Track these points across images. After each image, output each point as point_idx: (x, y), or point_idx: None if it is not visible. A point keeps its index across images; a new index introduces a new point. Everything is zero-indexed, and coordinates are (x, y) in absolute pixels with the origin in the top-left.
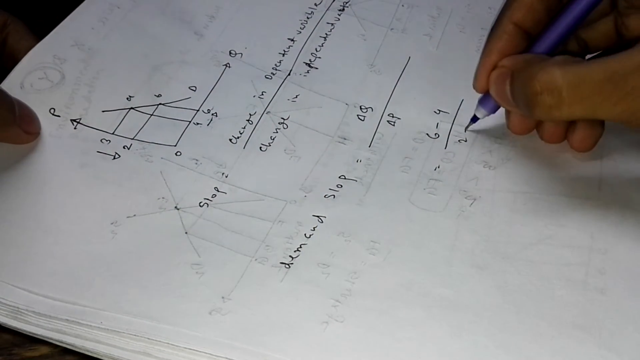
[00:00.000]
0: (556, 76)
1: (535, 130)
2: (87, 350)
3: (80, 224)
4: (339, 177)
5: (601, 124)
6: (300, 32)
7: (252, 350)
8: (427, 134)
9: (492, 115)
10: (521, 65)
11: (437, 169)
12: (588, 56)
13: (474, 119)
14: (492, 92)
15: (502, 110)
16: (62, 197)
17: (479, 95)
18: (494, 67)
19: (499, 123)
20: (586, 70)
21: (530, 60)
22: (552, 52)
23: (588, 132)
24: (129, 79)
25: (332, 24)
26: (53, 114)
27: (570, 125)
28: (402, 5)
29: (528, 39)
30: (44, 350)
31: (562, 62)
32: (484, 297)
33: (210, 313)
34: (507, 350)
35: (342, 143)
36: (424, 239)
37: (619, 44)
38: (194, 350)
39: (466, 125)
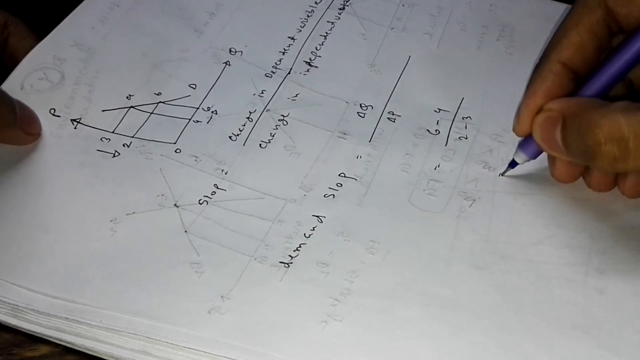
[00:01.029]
0: (621, 124)
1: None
2: (87, 349)
3: (80, 221)
4: (339, 175)
5: None
6: (301, 31)
7: (251, 349)
8: (428, 130)
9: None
10: (575, 110)
11: (437, 168)
12: None
13: (513, 164)
14: (537, 137)
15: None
16: (62, 195)
17: (479, 93)
18: (539, 110)
19: (499, 121)
20: None
21: (586, 104)
22: (601, 96)
23: (638, 180)
24: (128, 77)
25: (332, 23)
26: (53, 114)
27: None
28: (403, 5)
29: (576, 81)
30: (44, 350)
31: (625, 108)
32: (482, 297)
33: (209, 312)
34: (506, 349)
35: (342, 138)
36: (423, 238)
37: None
38: (193, 349)
39: (502, 171)
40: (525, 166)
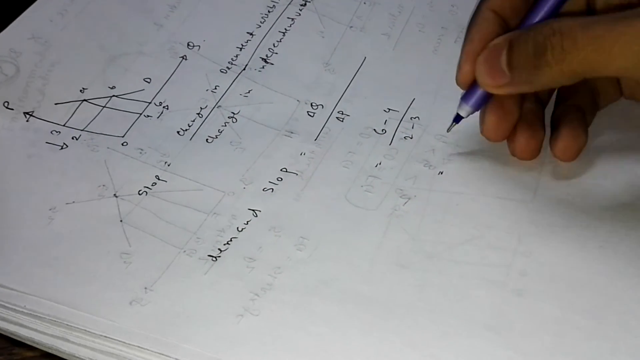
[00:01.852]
0: (567, 20)
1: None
2: (11, 334)
3: (19, 210)
4: (281, 170)
5: (584, 133)
6: (260, 26)
7: (164, 340)
8: (375, 130)
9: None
10: (520, 32)
11: (378, 165)
12: None
13: (457, 118)
14: (481, 73)
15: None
16: (5, 186)
17: (430, 94)
18: (476, 56)
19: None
20: (597, 17)
21: (530, 26)
22: None
23: (571, 141)
24: (83, 71)
25: (292, 19)
26: (7, 108)
27: (553, 134)
28: (364, 2)
29: (507, 29)
30: None
31: (568, 15)
32: (400, 295)
33: (130, 303)
34: (414, 348)
35: (288, 136)
36: (352, 236)
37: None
38: (109, 337)
39: (448, 127)
40: (471, 156)
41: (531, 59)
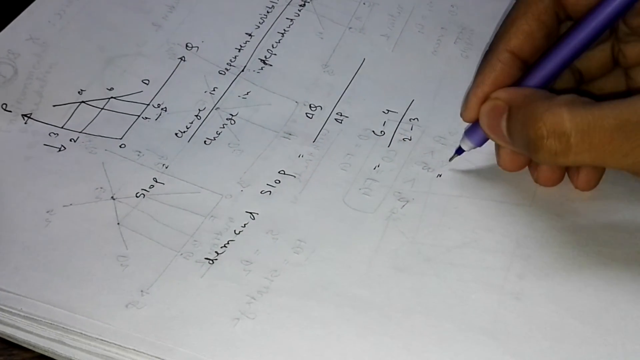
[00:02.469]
0: (564, 119)
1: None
2: (7, 336)
3: (16, 212)
4: (279, 172)
5: None
6: (259, 27)
7: (160, 344)
8: (373, 131)
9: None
10: (521, 101)
11: (376, 167)
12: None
13: (459, 150)
14: (484, 125)
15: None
16: (4, 188)
17: (430, 95)
18: (486, 99)
19: (446, 123)
20: (596, 116)
21: (532, 96)
22: (548, 84)
23: (592, 174)
24: (82, 72)
25: (291, 20)
26: (5, 110)
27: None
28: (364, 3)
29: (524, 69)
30: None
31: (569, 103)
32: (397, 299)
33: (126, 306)
34: (410, 351)
35: (286, 138)
36: (350, 239)
37: (615, 73)
38: (105, 341)
39: (450, 157)
40: (470, 159)
41: (527, 146)
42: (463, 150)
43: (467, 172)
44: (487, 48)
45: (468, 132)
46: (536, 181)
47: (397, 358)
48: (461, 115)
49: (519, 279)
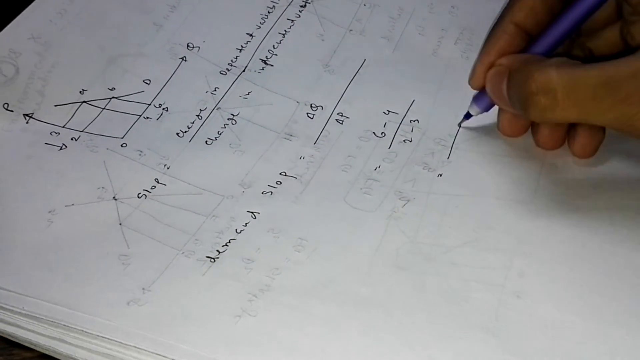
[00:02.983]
0: (552, 77)
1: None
2: (8, 335)
3: (19, 212)
4: (280, 174)
5: (602, 129)
6: (260, 28)
7: (161, 341)
8: (374, 133)
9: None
10: (519, 65)
11: (377, 168)
12: None
13: (468, 115)
14: (489, 89)
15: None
16: (4, 187)
17: (430, 96)
18: (492, 66)
19: (446, 125)
20: (582, 74)
21: (528, 60)
22: (549, 53)
23: (589, 138)
24: (83, 72)
25: (292, 21)
26: (6, 109)
27: (570, 131)
28: (364, 5)
29: (528, 40)
30: None
31: (559, 63)
32: (398, 297)
33: (128, 304)
34: (412, 348)
35: (287, 139)
36: (351, 238)
37: (625, 52)
38: (106, 338)
39: (459, 121)
40: (470, 158)
41: (520, 104)
42: (471, 115)
43: (468, 171)
44: (495, 21)
45: (476, 98)
46: (537, 144)
47: (398, 356)
48: (469, 82)
49: (520, 278)
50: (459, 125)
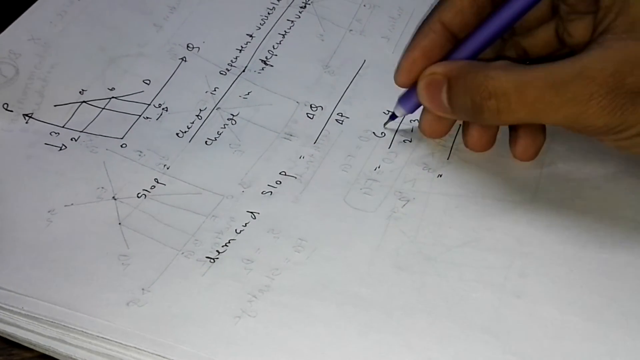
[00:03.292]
0: (502, 81)
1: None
2: (7, 335)
3: (18, 212)
4: (280, 173)
5: (542, 132)
6: (260, 28)
7: (161, 341)
8: (374, 132)
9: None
10: (459, 72)
11: (377, 169)
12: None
13: (393, 116)
14: (423, 98)
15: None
16: (5, 188)
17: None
18: (416, 64)
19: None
20: (530, 76)
21: (468, 66)
22: (475, 57)
23: (529, 141)
24: (83, 72)
25: (292, 22)
26: (6, 109)
27: (512, 134)
28: (364, 5)
29: (453, 42)
30: None
31: (504, 67)
32: (398, 297)
33: (127, 304)
34: (412, 349)
35: (287, 139)
36: (351, 238)
37: (560, 51)
38: (105, 339)
39: (385, 122)
40: (470, 158)
41: (470, 110)
42: (396, 116)
43: (467, 171)
44: (423, 18)
45: (402, 100)
46: (466, 145)
47: (398, 356)
48: (394, 78)
49: (520, 278)
50: (384, 125)
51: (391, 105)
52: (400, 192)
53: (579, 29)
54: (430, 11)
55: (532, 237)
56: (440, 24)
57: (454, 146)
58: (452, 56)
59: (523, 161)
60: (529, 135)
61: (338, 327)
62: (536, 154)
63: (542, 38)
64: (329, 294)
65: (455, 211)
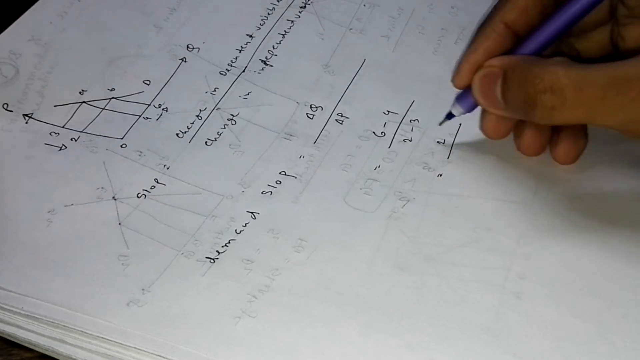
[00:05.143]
0: (560, 75)
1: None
2: (7, 335)
3: (18, 212)
4: (279, 173)
5: (585, 135)
6: (260, 29)
7: (161, 341)
8: (374, 132)
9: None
10: (516, 65)
11: (377, 168)
12: None
13: (450, 115)
14: (477, 92)
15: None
16: (5, 188)
17: (430, 96)
18: (478, 66)
19: (446, 125)
20: (590, 73)
21: (527, 60)
22: (538, 54)
23: (571, 144)
24: (83, 73)
25: (292, 22)
26: (6, 109)
27: (553, 137)
28: (364, 5)
29: (516, 41)
30: None
31: (564, 62)
32: (398, 297)
33: (127, 304)
34: (412, 350)
35: (287, 139)
36: (351, 238)
37: (613, 55)
38: (105, 339)
39: (440, 121)
40: (470, 158)
41: (523, 105)
42: (453, 116)
43: (468, 171)
44: (483, 19)
45: (459, 98)
46: (518, 148)
47: (398, 357)
48: (452, 81)
49: (520, 278)
50: (440, 124)
51: (391, 104)
52: (400, 192)
53: (633, 33)
54: (490, 12)
55: (532, 238)
56: (504, 24)
57: (454, 145)
58: (513, 52)
59: (563, 164)
60: (571, 138)
61: (338, 327)
62: (577, 157)
63: (596, 41)
64: (329, 294)
65: (455, 211)
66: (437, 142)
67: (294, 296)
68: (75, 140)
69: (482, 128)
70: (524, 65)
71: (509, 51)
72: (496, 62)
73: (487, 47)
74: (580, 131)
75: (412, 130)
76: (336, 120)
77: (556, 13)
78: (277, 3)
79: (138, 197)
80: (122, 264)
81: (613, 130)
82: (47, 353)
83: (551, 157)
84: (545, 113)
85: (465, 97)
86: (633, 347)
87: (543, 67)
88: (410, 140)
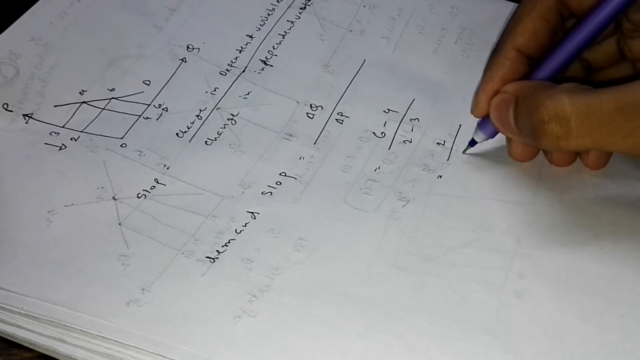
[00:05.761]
0: (564, 104)
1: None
2: (7, 335)
3: (18, 212)
4: (280, 174)
5: None
6: (260, 29)
7: (161, 341)
8: (374, 133)
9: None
10: (526, 92)
11: (377, 169)
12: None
13: (472, 142)
14: (493, 118)
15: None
16: (5, 188)
17: (430, 96)
18: (495, 94)
19: (446, 125)
20: (596, 100)
21: (536, 86)
22: (554, 76)
23: (601, 153)
24: (83, 73)
25: (292, 22)
26: (6, 109)
27: None
28: (364, 6)
29: (530, 64)
30: None
31: (570, 89)
32: (398, 297)
33: (128, 304)
34: (412, 350)
35: (287, 139)
36: (351, 238)
37: (623, 64)
38: (105, 338)
39: (464, 148)
40: (469, 159)
41: (530, 132)
42: (476, 142)
43: (467, 172)
44: (495, 46)
45: (480, 125)
46: (550, 162)
47: (398, 357)
48: (472, 111)
49: (520, 278)
50: (464, 152)
51: (391, 103)
52: (400, 193)
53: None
54: (500, 38)
55: (532, 238)
56: (515, 50)
57: (454, 147)
58: (530, 76)
59: (593, 170)
60: None
61: (338, 327)
62: (607, 162)
63: (605, 51)
64: (329, 294)
65: (455, 212)
66: (437, 143)
67: (294, 296)
68: (75, 140)
69: (510, 153)
70: (533, 92)
71: (526, 75)
72: (510, 88)
73: (503, 75)
74: None
75: (412, 131)
76: (336, 119)
77: (568, 35)
78: (277, 4)
79: (138, 197)
80: (122, 263)
81: (622, 154)
82: (47, 353)
83: (582, 163)
84: (551, 142)
85: (486, 123)
86: (633, 347)
87: (550, 95)
88: (410, 142)
